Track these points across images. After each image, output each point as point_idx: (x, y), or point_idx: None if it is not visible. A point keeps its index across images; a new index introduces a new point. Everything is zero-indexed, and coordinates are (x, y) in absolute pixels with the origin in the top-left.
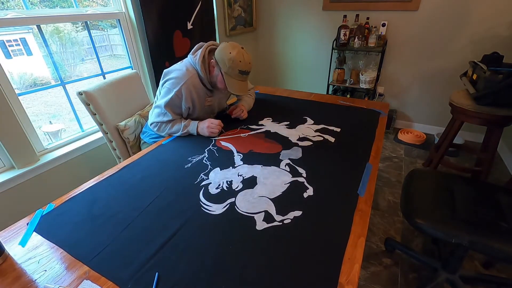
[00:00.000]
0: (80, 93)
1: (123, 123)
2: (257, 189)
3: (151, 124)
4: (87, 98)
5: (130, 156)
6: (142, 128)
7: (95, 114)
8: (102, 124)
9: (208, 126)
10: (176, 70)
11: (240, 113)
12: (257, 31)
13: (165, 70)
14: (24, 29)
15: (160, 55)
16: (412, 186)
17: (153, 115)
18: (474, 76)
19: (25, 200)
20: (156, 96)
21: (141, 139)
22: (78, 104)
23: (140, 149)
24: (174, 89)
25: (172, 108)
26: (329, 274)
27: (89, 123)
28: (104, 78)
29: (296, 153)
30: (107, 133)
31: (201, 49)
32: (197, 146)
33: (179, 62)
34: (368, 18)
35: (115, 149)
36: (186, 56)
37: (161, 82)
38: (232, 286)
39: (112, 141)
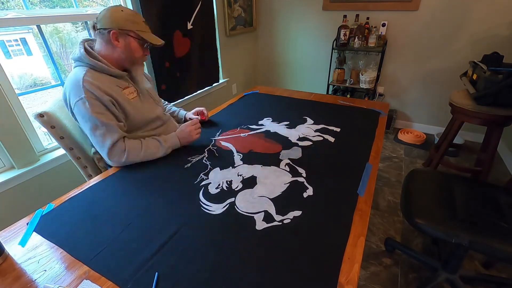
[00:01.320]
0: (40, 115)
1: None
2: (257, 189)
3: (110, 154)
4: (51, 120)
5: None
6: None
7: (63, 138)
8: (72, 149)
9: (189, 130)
10: (67, 83)
11: (203, 116)
12: (257, 31)
13: (62, 97)
14: (24, 29)
15: (160, 55)
16: (412, 186)
17: (100, 143)
18: (474, 76)
19: (25, 200)
20: (83, 130)
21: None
22: None
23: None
24: (82, 96)
25: (106, 115)
26: (329, 274)
27: None
28: None
29: (296, 153)
30: (79, 158)
31: (77, 48)
32: (197, 146)
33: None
34: (368, 18)
35: (86, 167)
36: (186, 56)
37: (71, 112)
38: (232, 286)
39: (86, 167)
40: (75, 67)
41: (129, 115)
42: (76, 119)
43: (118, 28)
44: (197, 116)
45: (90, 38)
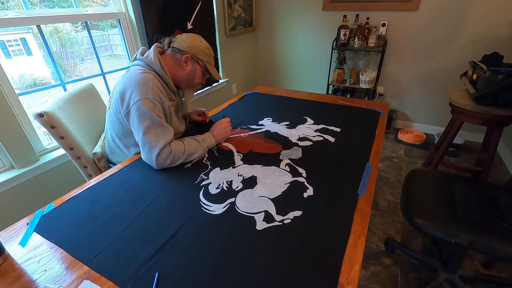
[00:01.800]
0: (40, 115)
1: (99, 149)
2: (257, 189)
3: (157, 156)
4: (51, 120)
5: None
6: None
7: (63, 138)
8: (72, 149)
9: (225, 127)
10: (130, 79)
11: (204, 117)
12: (257, 31)
13: (114, 93)
14: (24, 29)
15: None
16: (412, 186)
17: (153, 143)
18: (474, 76)
19: (25, 200)
20: (133, 127)
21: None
22: None
23: None
24: (148, 95)
25: (159, 116)
26: (329, 274)
27: None
28: (104, 78)
29: (296, 153)
30: (79, 158)
31: (151, 50)
32: None
33: (123, 76)
34: (368, 18)
35: (86, 167)
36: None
37: (125, 108)
38: (232, 286)
39: (86, 167)
40: (136, 66)
41: (169, 123)
42: (124, 115)
43: (193, 54)
44: (198, 117)
45: (160, 44)
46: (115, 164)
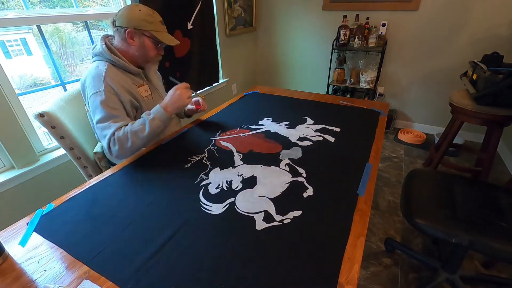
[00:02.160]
0: (41, 115)
1: (99, 148)
2: (257, 189)
3: (108, 149)
4: (51, 120)
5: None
6: None
7: (63, 138)
8: (72, 149)
9: (180, 93)
10: (87, 75)
11: (205, 104)
12: (257, 31)
13: (79, 87)
14: (24, 29)
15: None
16: (412, 186)
17: (102, 135)
18: (474, 76)
19: (25, 200)
20: (90, 120)
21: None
22: None
23: None
24: (101, 89)
25: (117, 110)
26: (329, 274)
27: None
28: None
29: (296, 153)
30: (79, 158)
31: (98, 43)
32: (197, 146)
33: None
34: (368, 18)
35: (86, 167)
36: (186, 56)
37: (86, 99)
38: (232, 286)
39: (86, 167)
40: (95, 61)
41: (141, 112)
42: (90, 109)
43: (134, 27)
44: (192, 106)
45: (110, 34)
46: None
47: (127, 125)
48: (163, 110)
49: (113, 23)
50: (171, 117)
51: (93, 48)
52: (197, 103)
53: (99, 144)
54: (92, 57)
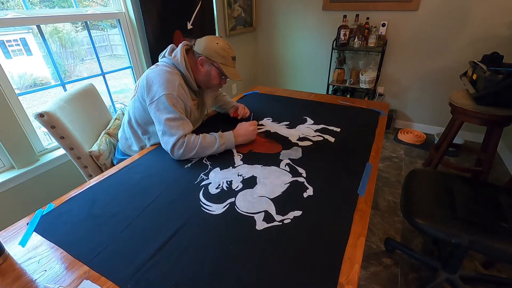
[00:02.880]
0: (40, 115)
1: (95, 147)
2: (257, 189)
3: (172, 148)
4: (51, 120)
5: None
6: (115, 151)
7: (63, 138)
8: (72, 149)
9: (253, 129)
10: (155, 77)
11: (245, 111)
12: (257, 31)
13: (141, 83)
14: (24, 29)
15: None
16: (412, 186)
17: (170, 133)
18: (474, 76)
19: (25, 200)
20: (154, 116)
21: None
22: None
23: None
24: (174, 93)
25: (182, 111)
26: (329, 274)
27: None
28: (104, 78)
29: (296, 153)
30: (79, 158)
31: (178, 50)
32: None
33: (151, 70)
34: (368, 18)
35: (86, 167)
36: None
37: (148, 96)
38: (232, 286)
39: (87, 167)
40: (164, 64)
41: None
42: (148, 105)
43: (206, 56)
44: (231, 111)
45: (188, 43)
46: (121, 157)
47: (194, 133)
48: (233, 139)
49: (193, 45)
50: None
51: (169, 53)
52: (236, 109)
53: (96, 143)
54: (165, 59)
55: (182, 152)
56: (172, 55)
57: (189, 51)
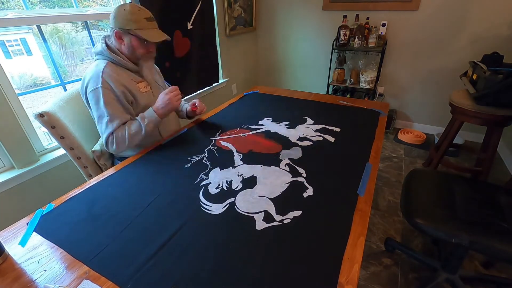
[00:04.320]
0: (40, 115)
1: (98, 147)
2: (257, 189)
3: (106, 144)
4: (51, 120)
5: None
6: None
7: (63, 138)
8: (72, 149)
9: (169, 97)
10: (87, 74)
11: (203, 106)
12: (257, 31)
13: (79, 87)
14: (24, 29)
15: (160, 55)
16: (412, 186)
17: (101, 132)
18: (474, 76)
19: (25, 200)
20: (92, 116)
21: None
22: None
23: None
24: (98, 85)
25: (114, 106)
26: (328, 274)
27: None
28: None
29: (296, 153)
30: (79, 158)
31: (99, 43)
32: (197, 146)
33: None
34: (368, 18)
35: (86, 167)
36: (186, 56)
37: (85, 98)
38: (232, 286)
39: (86, 167)
40: (96, 59)
41: (139, 106)
42: (89, 106)
43: (119, 27)
44: (188, 107)
45: (109, 34)
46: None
47: (124, 123)
48: (155, 114)
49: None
50: (163, 119)
51: (95, 47)
52: (192, 104)
53: (98, 143)
54: (94, 55)
55: (115, 148)
56: (94, 50)
57: (106, 37)
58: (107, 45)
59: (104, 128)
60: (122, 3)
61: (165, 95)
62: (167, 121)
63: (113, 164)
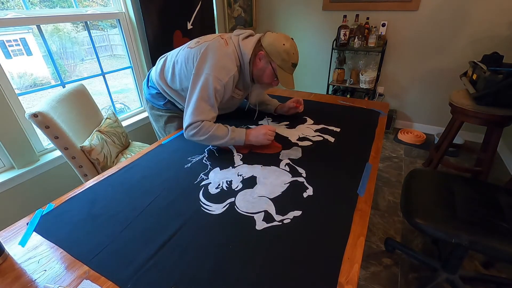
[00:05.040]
0: (34, 115)
1: (87, 143)
2: (257, 189)
3: (188, 125)
4: (45, 120)
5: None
6: (108, 146)
7: (57, 138)
8: (67, 148)
9: (265, 133)
10: (219, 55)
11: (300, 105)
12: (257, 31)
13: (198, 47)
14: (24, 29)
15: (160, 55)
16: (412, 186)
17: (192, 110)
18: (474, 76)
19: (25, 200)
20: (178, 79)
21: (149, 104)
22: None
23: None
24: (222, 79)
25: (217, 98)
26: (328, 274)
27: None
28: (104, 78)
29: (296, 153)
30: (74, 158)
31: (253, 40)
32: (197, 146)
33: (216, 42)
34: (368, 18)
35: (81, 166)
36: None
37: (195, 63)
38: (232, 286)
39: (81, 166)
40: (231, 47)
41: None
42: (193, 73)
43: (269, 52)
44: (292, 104)
45: (262, 34)
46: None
47: (215, 121)
48: (244, 139)
49: (261, 38)
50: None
51: (246, 36)
52: (297, 101)
53: (87, 139)
54: (236, 37)
55: (193, 134)
56: (244, 41)
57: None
58: (254, 52)
59: (200, 111)
60: (122, 4)
61: (262, 128)
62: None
63: (105, 158)
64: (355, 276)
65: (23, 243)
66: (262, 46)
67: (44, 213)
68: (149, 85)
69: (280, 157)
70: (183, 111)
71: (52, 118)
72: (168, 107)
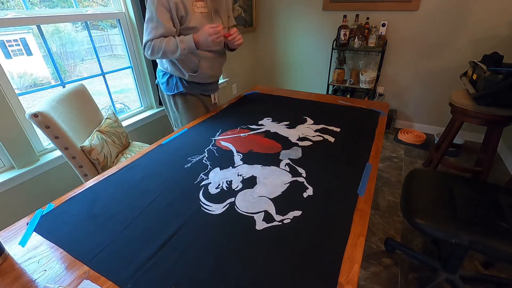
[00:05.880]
0: (34, 115)
1: (87, 143)
2: (257, 189)
3: (144, 46)
4: (45, 120)
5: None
6: (108, 146)
7: (58, 138)
8: (67, 148)
9: (210, 33)
10: None
11: (237, 35)
12: (257, 31)
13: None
14: (24, 29)
15: None
16: (412, 186)
17: (145, 34)
18: (474, 76)
19: (25, 200)
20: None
21: (162, 91)
22: None
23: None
24: None
25: (164, 15)
26: (328, 274)
27: None
28: (104, 78)
29: (296, 153)
30: (74, 158)
31: None
32: (197, 146)
33: None
34: (368, 18)
35: (81, 166)
36: None
37: None
38: (232, 286)
39: (82, 166)
40: None
41: (189, 25)
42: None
43: None
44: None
45: None
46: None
47: (166, 36)
48: (193, 42)
49: None
50: (199, 49)
51: None
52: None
53: (87, 139)
54: None
55: (149, 54)
56: None
57: None
58: None
59: (148, 32)
60: (122, 4)
61: (209, 33)
62: (212, 60)
63: (105, 158)
64: (355, 276)
65: (23, 243)
66: None
67: (44, 213)
68: (157, 74)
69: (280, 157)
70: (190, 87)
71: (52, 118)
72: (178, 86)
